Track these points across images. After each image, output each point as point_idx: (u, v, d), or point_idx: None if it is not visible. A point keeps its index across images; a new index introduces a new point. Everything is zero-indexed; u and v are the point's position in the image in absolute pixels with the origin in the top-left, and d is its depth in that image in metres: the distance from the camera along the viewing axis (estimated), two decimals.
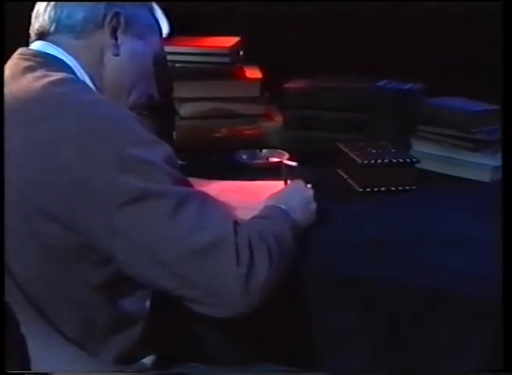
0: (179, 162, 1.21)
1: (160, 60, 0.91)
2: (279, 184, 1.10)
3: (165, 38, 1.26)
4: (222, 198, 1.02)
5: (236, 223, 0.75)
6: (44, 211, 0.71)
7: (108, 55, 0.84)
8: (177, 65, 1.34)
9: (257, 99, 1.36)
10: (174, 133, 1.34)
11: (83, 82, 0.82)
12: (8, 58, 0.83)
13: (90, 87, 0.82)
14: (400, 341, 0.81)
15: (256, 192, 1.08)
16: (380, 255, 0.88)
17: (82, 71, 0.82)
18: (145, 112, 1.32)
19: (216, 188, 1.10)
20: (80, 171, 0.70)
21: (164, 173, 0.72)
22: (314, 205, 0.93)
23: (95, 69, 0.83)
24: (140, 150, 0.71)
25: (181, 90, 1.34)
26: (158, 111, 1.31)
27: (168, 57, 1.33)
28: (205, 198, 0.75)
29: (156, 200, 0.70)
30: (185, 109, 1.35)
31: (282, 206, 0.86)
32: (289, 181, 1.03)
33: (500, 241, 0.74)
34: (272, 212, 0.85)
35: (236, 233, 0.73)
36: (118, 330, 0.79)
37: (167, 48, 1.34)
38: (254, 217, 0.84)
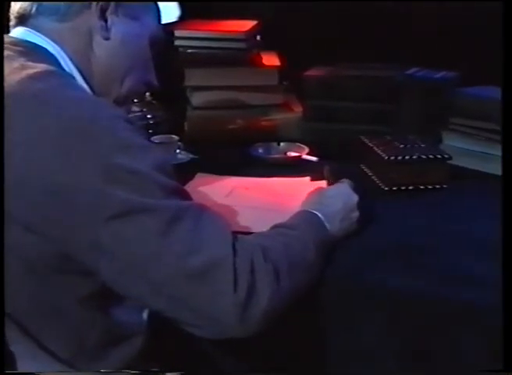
0: (191, 156, 1.23)
1: (158, 43, 0.86)
2: (300, 181, 1.09)
3: (176, 22, 1.22)
4: (236, 195, 1.04)
5: (236, 240, 0.71)
6: (18, 220, 0.68)
7: (98, 39, 0.78)
8: (189, 51, 1.32)
9: (275, 88, 1.34)
10: (185, 125, 1.32)
11: (67, 74, 0.77)
12: None
13: (73, 82, 0.76)
14: (425, 355, 0.78)
15: (273, 190, 1.06)
16: (406, 263, 0.84)
17: (67, 59, 0.77)
18: (154, 102, 1.33)
19: (229, 185, 1.08)
20: (59, 178, 0.66)
21: (155, 185, 0.68)
22: (356, 215, 0.88)
23: (83, 56, 0.78)
24: (128, 157, 0.67)
25: (193, 78, 1.33)
26: (169, 100, 1.33)
27: (180, 42, 1.33)
28: (201, 212, 0.71)
29: (146, 215, 0.66)
30: (197, 99, 1.33)
31: (319, 214, 0.82)
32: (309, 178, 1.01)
33: None
34: (301, 222, 0.81)
35: (235, 254, 0.69)
36: (113, 345, 0.76)
37: (178, 33, 1.35)
38: (279, 225, 0.80)
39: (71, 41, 0.77)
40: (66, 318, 0.72)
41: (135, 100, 1.27)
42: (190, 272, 0.67)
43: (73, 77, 0.77)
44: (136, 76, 0.82)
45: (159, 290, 0.67)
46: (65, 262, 0.69)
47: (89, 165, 0.65)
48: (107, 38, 0.78)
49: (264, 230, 0.81)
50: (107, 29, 0.78)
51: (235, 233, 0.73)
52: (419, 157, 1.06)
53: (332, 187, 0.93)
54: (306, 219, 0.82)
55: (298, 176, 1.10)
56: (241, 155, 1.21)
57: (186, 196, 0.72)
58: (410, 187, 1.06)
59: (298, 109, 1.34)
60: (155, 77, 0.86)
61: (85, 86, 0.78)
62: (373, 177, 1.12)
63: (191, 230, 0.68)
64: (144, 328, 0.80)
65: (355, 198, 0.88)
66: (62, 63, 0.77)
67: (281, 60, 1.36)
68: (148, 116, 1.29)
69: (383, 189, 1.07)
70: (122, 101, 0.82)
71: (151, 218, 0.66)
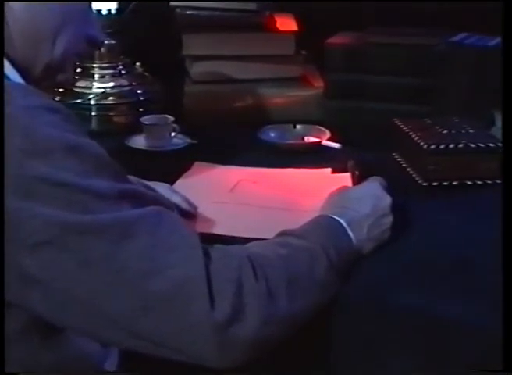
0: (188, 140, 1.19)
1: None
2: (319, 174, 1.06)
3: None
4: (241, 190, 1.01)
5: (216, 253, 0.66)
6: None
7: None
8: (188, 12, 1.30)
9: (291, 58, 1.32)
10: (183, 102, 1.30)
11: None
12: None
13: None
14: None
15: (286, 184, 1.03)
16: (449, 283, 0.79)
17: None
18: (146, 74, 1.29)
19: (233, 177, 1.05)
20: None
21: (91, 195, 0.61)
22: (389, 220, 0.83)
23: None
24: (50, 165, 0.60)
25: (193, 45, 1.30)
26: (163, 72, 1.31)
27: (177, 2, 1.32)
28: (159, 220, 0.64)
29: (85, 237, 0.60)
30: (198, 71, 1.31)
31: (342, 220, 0.78)
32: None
33: None
34: (315, 229, 0.77)
35: (210, 271, 0.63)
36: None
37: None
38: (286, 232, 0.76)
39: None
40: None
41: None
42: (151, 299, 0.62)
43: None
44: (71, 33, 0.73)
45: (113, 323, 0.63)
46: None
47: (2, 178, 0.59)
48: None
49: (274, 235, 0.76)
50: None
51: (215, 243, 0.69)
52: (466, 145, 1.01)
53: (359, 186, 0.89)
54: (322, 226, 0.77)
55: (317, 167, 1.07)
56: (249, 140, 1.17)
57: (138, 199, 0.65)
58: (455, 183, 1.01)
59: (318, 84, 1.32)
60: (100, 31, 0.79)
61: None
62: (409, 170, 1.07)
63: (148, 245, 0.62)
64: (114, 352, 0.76)
65: (388, 200, 0.83)
66: None
67: (298, 24, 1.34)
68: (138, 92, 1.25)
69: (421, 185, 1.02)
70: (59, 68, 0.75)
71: (91, 239, 0.60)
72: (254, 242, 0.74)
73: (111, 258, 0.61)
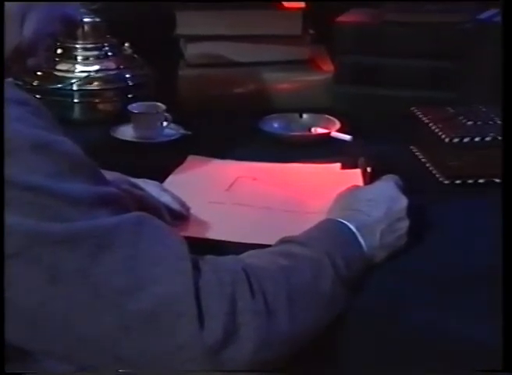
0: (182, 131, 1.18)
1: None
2: (327, 170, 1.05)
3: None
4: (239, 188, 1.01)
5: (207, 265, 0.64)
6: None
7: None
8: None
9: (298, 39, 1.30)
10: (176, 88, 1.29)
11: None
12: None
13: None
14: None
15: (290, 181, 1.02)
16: (475, 297, 0.76)
17: None
18: (135, 56, 1.28)
19: (231, 173, 1.05)
20: None
21: (64, 200, 0.60)
22: (404, 225, 0.82)
23: None
24: (18, 165, 0.59)
25: (187, 24, 1.29)
26: (155, 54, 1.29)
27: None
28: (140, 229, 0.63)
29: (55, 248, 0.59)
30: (193, 52, 1.30)
31: (351, 225, 0.77)
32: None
33: None
34: (320, 235, 0.76)
35: (200, 286, 0.62)
36: None
37: None
38: (288, 239, 0.75)
39: None
40: None
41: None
42: (132, 318, 0.61)
43: None
44: (43, 11, 0.72)
45: (89, 346, 0.62)
46: None
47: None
48: None
49: (276, 240, 0.76)
50: None
51: (210, 249, 0.68)
52: (494, 138, 0.99)
53: (371, 186, 0.87)
54: (329, 231, 0.77)
55: (325, 162, 1.06)
56: (249, 131, 1.17)
57: (118, 205, 0.65)
58: (481, 181, 1.00)
59: (328, 68, 1.32)
60: (76, 9, 0.78)
61: None
62: (428, 166, 1.06)
63: (128, 258, 0.61)
64: None
65: (404, 202, 0.82)
66: None
67: (306, 1, 1.31)
68: (126, 76, 1.24)
69: (442, 183, 1.01)
70: (29, 51, 0.74)
71: (64, 251, 0.59)
72: (251, 251, 0.73)
73: (86, 272, 0.60)
